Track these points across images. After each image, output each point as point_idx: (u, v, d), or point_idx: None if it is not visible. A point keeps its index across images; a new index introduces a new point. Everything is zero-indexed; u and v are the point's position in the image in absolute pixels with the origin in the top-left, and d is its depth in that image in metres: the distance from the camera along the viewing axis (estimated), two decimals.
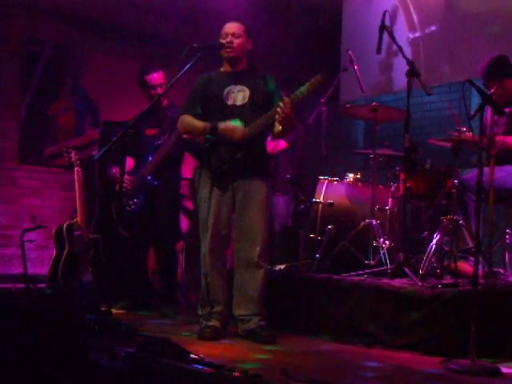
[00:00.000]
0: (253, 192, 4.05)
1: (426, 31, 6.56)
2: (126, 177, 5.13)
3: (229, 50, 4.06)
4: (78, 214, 4.94)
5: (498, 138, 4.29)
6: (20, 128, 6.50)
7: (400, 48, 4.38)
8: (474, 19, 6.08)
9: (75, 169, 5.07)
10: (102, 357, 3.02)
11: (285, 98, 3.91)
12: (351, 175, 5.12)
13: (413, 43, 6.64)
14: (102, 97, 6.90)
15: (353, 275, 4.39)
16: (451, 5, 6.32)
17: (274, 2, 7.38)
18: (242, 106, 4.07)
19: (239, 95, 4.08)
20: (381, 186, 5.00)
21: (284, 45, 7.55)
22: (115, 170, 5.26)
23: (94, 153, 6.32)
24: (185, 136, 4.50)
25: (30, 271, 5.05)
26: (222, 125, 3.98)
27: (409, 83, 4.21)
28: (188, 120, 4.14)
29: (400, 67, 5.59)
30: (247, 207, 4.05)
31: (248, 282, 4.05)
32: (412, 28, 6.69)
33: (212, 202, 4.05)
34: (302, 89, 3.87)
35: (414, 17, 6.69)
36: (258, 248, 4.02)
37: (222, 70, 4.22)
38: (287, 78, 6.19)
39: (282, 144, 5.87)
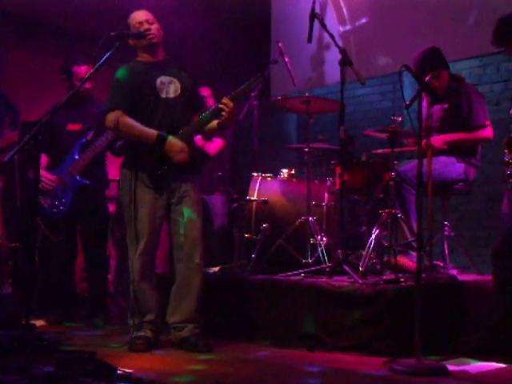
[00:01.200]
0: (190, 192, 3.87)
1: (357, 24, 6.45)
2: (47, 175, 4.82)
3: (150, 35, 3.86)
4: None
5: (435, 141, 4.21)
6: None
7: (332, 36, 4.22)
8: (402, 9, 6.00)
9: None
10: (18, 377, 2.73)
11: (224, 98, 3.78)
12: (285, 171, 4.92)
13: (343, 36, 6.51)
14: (21, 96, 6.46)
15: (290, 275, 4.19)
16: None
17: None
18: (175, 98, 3.88)
19: (171, 87, 3.89)
20: (316, 181, 4.82)
21: (210, 37, 7.31)
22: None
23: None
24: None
25: None
26: (173, 141, 3.76)
27: (342, 72, 4.05)
28: (131, 123, 3.79)
29: (332, 59, 5.45)
30: (185, 208, 3.85)
31: (186, 286, 3.82)
32: (342, 21, 6.56)
33: (146, 206, 3.82)
34: (244, 87, 3.78)
35: (344, 9, 6.57)
36: (199, 250, 3.83)
37: (139, 59, 3.97)
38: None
39: (221, 142, 5.65)
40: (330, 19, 6.55)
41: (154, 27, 3.88)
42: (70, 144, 4.83)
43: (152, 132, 3.78)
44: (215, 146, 5.58)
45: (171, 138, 3.77)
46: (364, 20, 6.36)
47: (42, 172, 4.84)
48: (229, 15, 7.43)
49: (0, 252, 4.50)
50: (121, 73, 3.90)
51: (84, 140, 4.80)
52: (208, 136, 5.40)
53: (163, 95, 3.85)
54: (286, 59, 5.25)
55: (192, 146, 3.91)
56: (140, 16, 3.91)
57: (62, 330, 4.50)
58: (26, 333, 3.54)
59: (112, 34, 3.67)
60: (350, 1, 6.49)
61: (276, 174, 4.95)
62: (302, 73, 6.64)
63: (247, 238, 4.71)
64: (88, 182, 4.79)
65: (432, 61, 4.32)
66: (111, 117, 3.82)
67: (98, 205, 4.89)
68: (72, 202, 4.79)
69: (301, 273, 4.18)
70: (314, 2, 4.32)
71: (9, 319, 4.05)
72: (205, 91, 5.79)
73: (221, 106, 3.75)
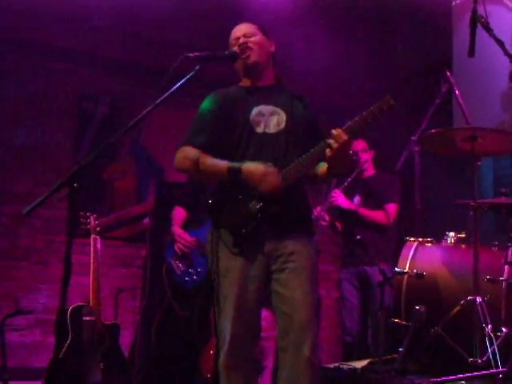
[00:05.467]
0: (299, 256, 2.82)
1: None
2: (184, 236, 4.06)
3: (246, 53, 2.94)
4: (91, 293, 3.89)
5: None
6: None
7: (501, 43, 3.02)
8: None
9: (92, 236, 4.06)
10: None
11: (337, 129, 2.70)
12: (452, 234, 3.69)
13: None
14: (168, 155, 5.91)
15: (446, 381, 2.93)
16: None
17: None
18: (276, 134, 2.90)
19: (272, 120, 2.91)
20: (494, 249, 3.54)
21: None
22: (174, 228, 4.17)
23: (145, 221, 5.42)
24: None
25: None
26: (251, 166, 2.78)
27: None
28: (191, 154, 2.88)
29: None
30: (292, 278, 2.80)
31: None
32: None
33: (233, 277, 2.83)
34: (365, 115, 2.65)
35: None
36: (310, 339, 2.73)
37: (240, 84, 3.08)
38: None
39: (390, 207, 4.68)
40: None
41: (253, 40, 2.95)
42: None
43: (223, 164, 2.82)
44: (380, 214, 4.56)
45: (248, 164, 2.78)
46: None
47: (178, 230, 4.10)
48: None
49: (92, 331, 3.77)
50: (206, 102, 2.99)
51: None
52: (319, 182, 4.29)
53: (259, 129, 2.89)
54: (457, 92, 4.15)
55: (300, 193, 2.93)
56: (236, 31, 3.02)
57: None
58: None
59: (189, 55, 2.80)
60: None
61: (440, 238, 3.75)
62: (491, 113, 5.36)
63: (395, 323, 3.53)
64: None
65: None
66: (177, 155, 2.92)
67: None
68: (209, 272, 3.97)
69: (462, 378, 2.91)
70: (475, 2, 3.15)
71: None
72: (358, 144, 4.77)
73: (330, 141, 2.69)
